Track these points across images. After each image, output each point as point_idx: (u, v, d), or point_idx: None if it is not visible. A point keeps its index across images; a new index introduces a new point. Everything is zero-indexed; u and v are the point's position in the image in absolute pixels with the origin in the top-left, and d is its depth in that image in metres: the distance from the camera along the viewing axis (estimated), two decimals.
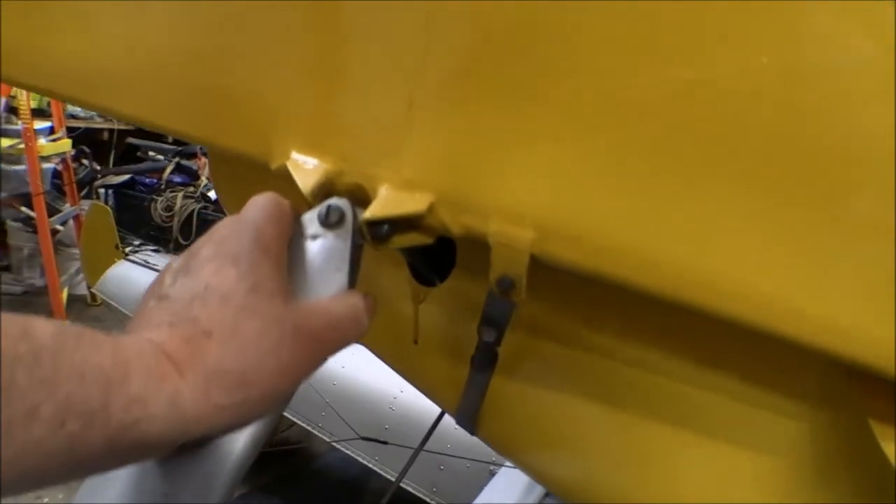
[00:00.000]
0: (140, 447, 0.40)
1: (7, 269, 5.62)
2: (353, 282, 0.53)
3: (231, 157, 0.67)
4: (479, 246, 0.51)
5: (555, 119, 0.47)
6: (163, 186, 5.88)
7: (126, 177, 6.16)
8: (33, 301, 5.43)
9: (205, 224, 5.46)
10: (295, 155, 0.57)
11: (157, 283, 0.48)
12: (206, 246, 0.48)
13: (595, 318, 0.61)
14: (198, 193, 5.68)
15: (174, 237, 5.55)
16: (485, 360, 0.62)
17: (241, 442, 0.46)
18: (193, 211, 5.58)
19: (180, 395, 0.41)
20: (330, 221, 0.53)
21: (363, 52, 0.54)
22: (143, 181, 6.15)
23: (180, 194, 5.69)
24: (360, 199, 0.55)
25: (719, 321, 0.45)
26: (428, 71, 0.51)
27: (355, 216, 0.54)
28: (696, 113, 0.43)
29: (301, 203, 0.55)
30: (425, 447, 2.20)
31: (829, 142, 0.40)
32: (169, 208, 5.67)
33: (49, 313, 4.94)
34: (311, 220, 0.54)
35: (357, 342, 0.52)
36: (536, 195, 0.48)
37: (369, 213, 0.52)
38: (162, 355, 0.42)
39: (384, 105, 0.53)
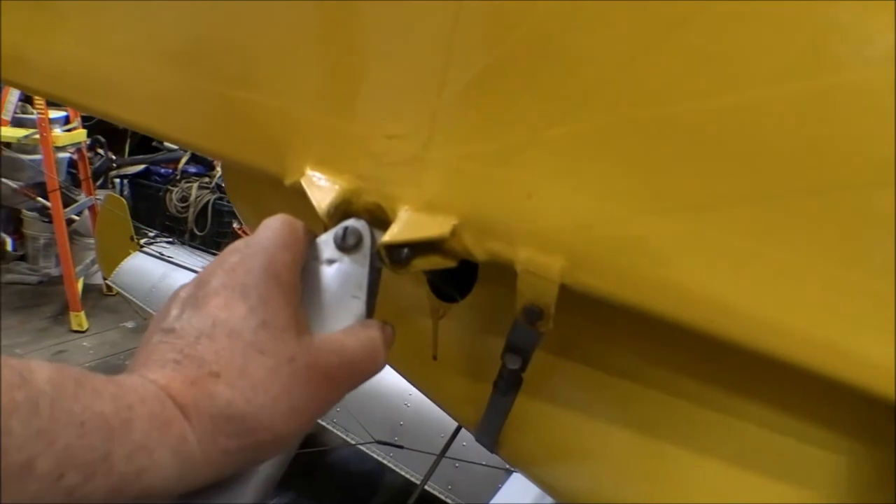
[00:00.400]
0: (145, 496, 0.37)
1: (23, 258, 5.65)
2: (371, 309, 0.50)
3: (245, 170, 0.64)
4: (503, 265, 0.48)
5: (592, 137, 0.44)
6: (178, 177, 5.89)
7: (141, 167, 6.17)
8: (49, 290, 5.46)
9: (219, 215, 5.47)
10: (310, 172, 0.54)
11: (163, 313, 0.45)
12: (215, 274, 0.45)
13: (624, 339, 0.58)
14: (213, 184, 5.68)
15: (189, 228, 5.56)
16: (508, 385, 0.59)
17: (252, 484, 0.44)
18: (208, 202, 5.58)
19: (186, 441, 0.39)
20: (347, 245, 0.50)
21: (382, 66, 0.51)
22: (158, 171, 6.16)
23: (195, 185, 5.69)
24: (379, 219, 0.52)
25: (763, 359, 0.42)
26: (450, 85, 0.48)
27: (373, 239, 0.51)
28: (744, 136, 0.40)
29: (316, 222, 0.53)
30: (437, 448, 2.19)
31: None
32: (184, 199, 5.68)
33: (64, 303, 4.97)
34: (326, 242, 0.51)
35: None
36: (569, 220, 0.45)
37: (388, 236, 0.49)
38: (167, 399, 0.39)
39: (404, 121, 0.50)
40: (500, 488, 2.10)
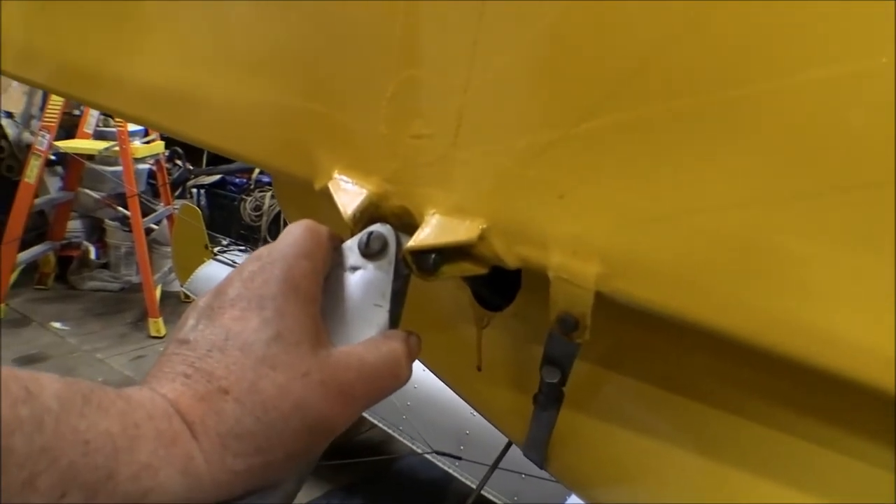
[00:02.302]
0: None
1: (106, 266, 5.85)
2: (395, 318, 0.48)
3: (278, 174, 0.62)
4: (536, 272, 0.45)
5: (631, 130, 0.40)
6: (252, 186, 6.01)
7: (217, 177, 6.32)
8: (129, 297, 5.63)
9: None
10: (338, 175, 0.52)
11: (181, 323, 0.44)
12: (233, 284, 0.44)
13: (682, 351, 0.54)
14: None
15: (262, 236, 5.66)
16: (549, 400, 0.56)
17: (270, 500, 0.42)
18: (281, 211, 5.67)
19: (193, 460, 0.37)
20: (371, 250, 0.48)
21: (407, 63, 0.49)
22: (233, 181, 6.30)
23: (269, 194, 5.80)
24: (408, 224, 0.50)
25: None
26: (476, 80, 0.45)
27: (399, 244, 0.48)
28: (812, 123, 0.35)
29: (346, 227, 0.51)
30: (501, 463, 2.16)
31: None
32: (258, 208, 5.79)
33: (144, 309, 5.12)
34: (351, 248, 0.49)
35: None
36: (605, 222, 0.41)
37: (414, 241, 0.46)
38: (175, 415, 0.38)
39: (430, 120, 0.48)
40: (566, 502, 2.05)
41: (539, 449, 0.66)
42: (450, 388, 0.81)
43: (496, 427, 0.77)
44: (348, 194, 0.51)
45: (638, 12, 0.38)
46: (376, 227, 0.49)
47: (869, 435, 0.46)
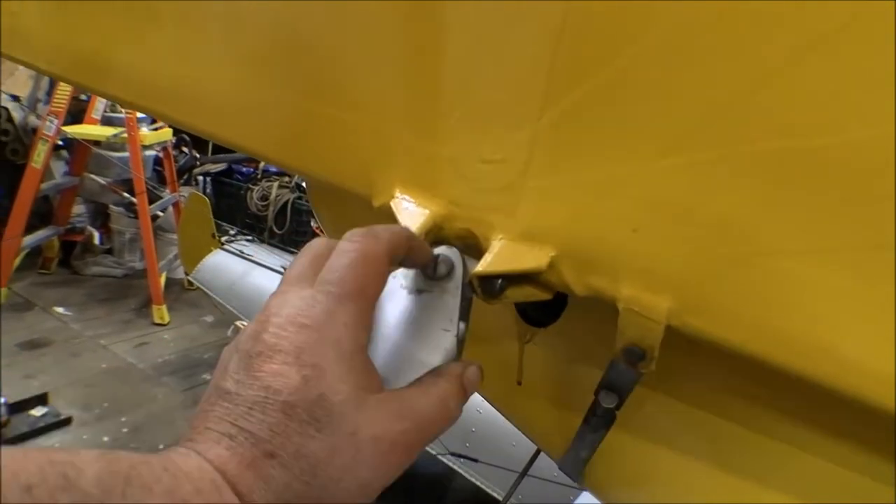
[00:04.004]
0: None
1: (110, 251, 5.84)
2: (461, 342, 0.47)
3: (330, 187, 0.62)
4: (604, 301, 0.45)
5: (710, 170, 0.40)
6: (259, 175, 5.99)
7: (224, 165, 6.31)
8: (133, 283, 5.63)
9: (298, 214, 5.54)
10: (399, 194, 0.52)
11: (223, 364, 0.42)
12: (268, 326, 0.41)
13: (720, 375, 0.55)
14: (293, 183, 5.76)
15: (269, 226, 5.65)
16: (601, 422, 0.56)
17: None
18: (288, 201, 5.67)
19: None
20: (438, 274, 0.48)
21: (479, 86, 0.48)
22: (239, 170, 6.29)
23: (276, 184, 5.79)
24: (470, 246, 0.50)
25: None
26: (552, 108, 0.45)
27: (465, 269, 0.48)
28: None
29: None
30: (510, 466, 2.14)
31: None
32: (264, 198, 5.78)
33: (148, 296, 5.11)
34: (416, 270, 0.49)
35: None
36: (680, 258, 0.42)
37: (482, 266, 0.46)
38: (224, 486, 0.37)
39: (501, 145, 0.47)
40: (573, 501, 2.05)
41: (577, 466, 0.66)
42: (485, 399, 0.81)
43: (531, 440, 0.77)
44: (412, 215, 0.51)
45: (726, 53, 0.38)
46: (443, 250, 0.49)
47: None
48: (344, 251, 0.43)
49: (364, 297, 0.43)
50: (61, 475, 0.32)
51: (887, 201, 0.35)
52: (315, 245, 0.47)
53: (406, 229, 0.47)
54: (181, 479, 0.36)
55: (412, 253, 0.46)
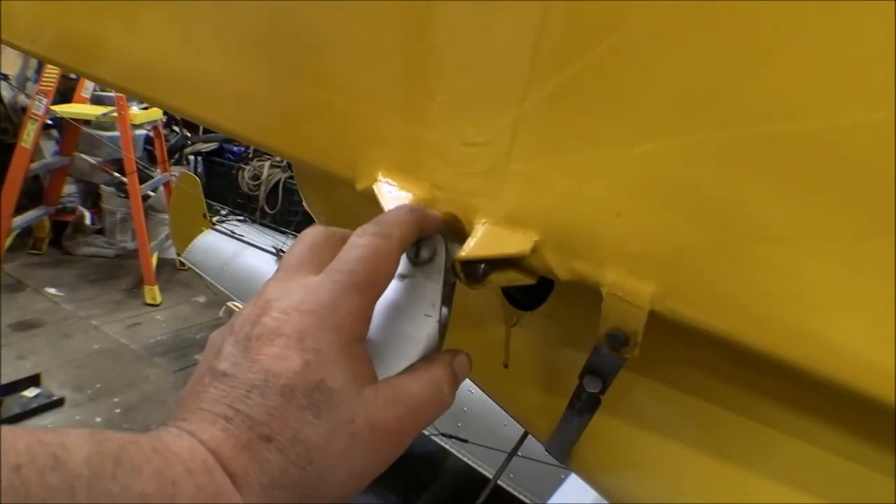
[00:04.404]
0: None
1: (101, 232, 5.82)
2: (444, 327, 0.47)
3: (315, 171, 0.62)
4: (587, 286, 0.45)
5: (694, 155, 0.40)
6: (250, 155, 5.96)
7: (215, 144, 6.27)
8: (125, 264, 5.62)
9: (290, 194, 5.52)
10: (382, 178, 0.52)
11: (217, 345, 0.42)
12: (270, 310, 0.42)
13: (711, 360, 0.54)
14: (284, 163, 5.72)
15: (260, 206, 5.63)
16: (586, 406, 0.56)
17: None
18: (280, 180, 5.64)
19: None
20: (420, 259, 0.47)
21: (462, 70, 0.48)
22: (231, 149, 6.25)
23: (267, 163, 5.75)
24: (454, 230, 0.49)
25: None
26: (535, 92, 0.44)
27: (448, 253, 0.48)
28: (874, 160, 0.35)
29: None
30: (499, 446, 2.15)
31: None
32: (256, 177, 5.75)
33: (139, 276, 5.10)
34: None
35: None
36: (663, 243, 0.41)
37: (465, 251, 0.46)
38: (216, 466, 0.37)
39: (484, 129, 0.47)
40: (563, 479, 2.06)
41: (564, 448, 0.66)
42: (473, 382, 0.81)
43: (518, 423, 0.77)
44: (395, 200, 0.50)
45: (707, 39, 0.38)
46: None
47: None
48: (356, 245, 0.44)
49: (371, 290, 0.43)
50: (50, 455, 0.32)
51: (884, 185, 0.35)
52: (311, 233, 0.47)
53: (411, 211, 0.47)
54: (171, 460, 0.36)
55: (423, 231, 0.47)
